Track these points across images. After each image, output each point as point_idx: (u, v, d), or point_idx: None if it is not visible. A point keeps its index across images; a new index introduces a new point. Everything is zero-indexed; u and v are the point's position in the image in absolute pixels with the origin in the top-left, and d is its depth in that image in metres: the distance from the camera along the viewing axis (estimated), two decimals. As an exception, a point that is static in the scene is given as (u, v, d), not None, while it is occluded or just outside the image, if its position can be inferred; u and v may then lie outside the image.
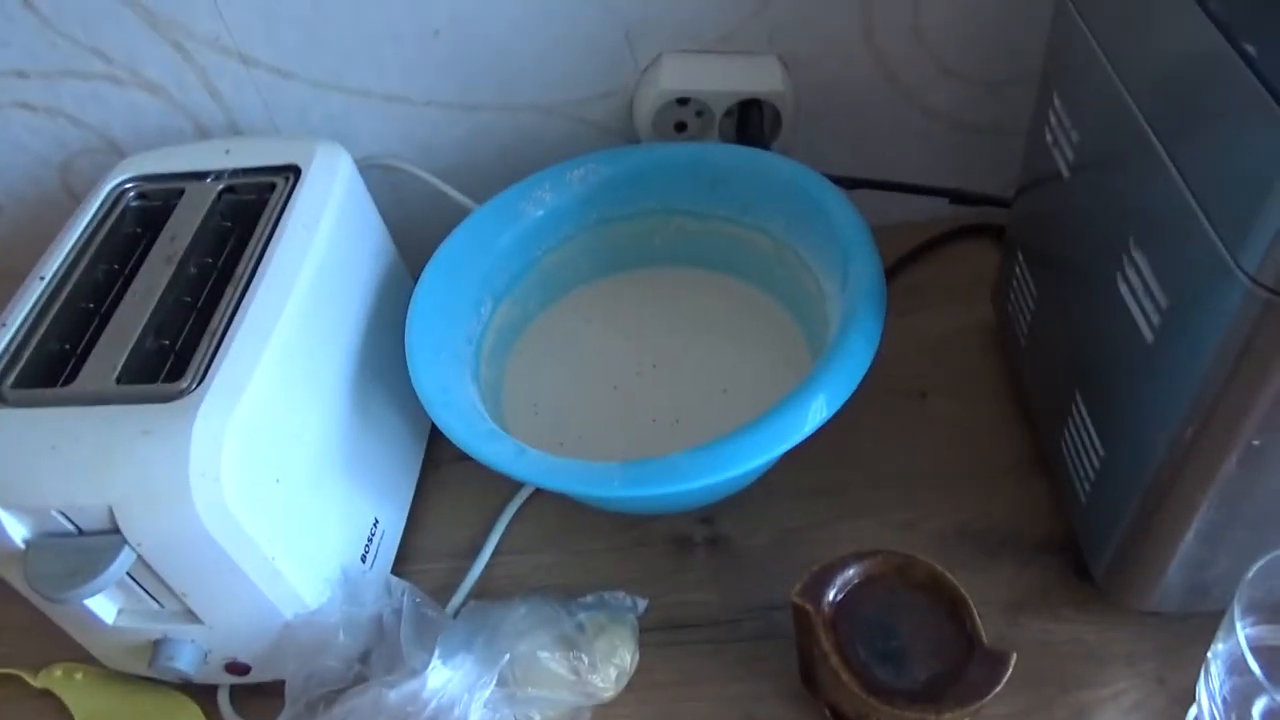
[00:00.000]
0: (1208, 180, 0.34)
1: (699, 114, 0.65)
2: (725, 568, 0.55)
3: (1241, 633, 0.39)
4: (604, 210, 0.62)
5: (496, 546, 0.58)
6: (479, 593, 0.56)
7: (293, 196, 0.54)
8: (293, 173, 0.56)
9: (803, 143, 0.67)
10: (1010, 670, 0.40)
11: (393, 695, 0.44)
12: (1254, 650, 0.41)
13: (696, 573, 0.55)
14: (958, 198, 0.66)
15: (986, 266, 0.64)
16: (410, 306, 0.55)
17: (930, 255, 0.70)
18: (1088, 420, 0.47)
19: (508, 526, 0.59)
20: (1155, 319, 0.39)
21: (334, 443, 0.52)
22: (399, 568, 0.57)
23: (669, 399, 0.58)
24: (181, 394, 0.44)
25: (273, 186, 0.55)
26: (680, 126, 0.66)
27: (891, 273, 0.67)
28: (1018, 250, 0.56)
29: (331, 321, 0.53)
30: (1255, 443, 0.37)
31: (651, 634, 0.52)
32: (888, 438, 0.59)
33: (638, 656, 0.51)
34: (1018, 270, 0.56)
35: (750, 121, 0.64)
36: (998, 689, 0.39)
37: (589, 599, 0.52)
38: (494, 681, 0.45)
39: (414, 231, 0.64)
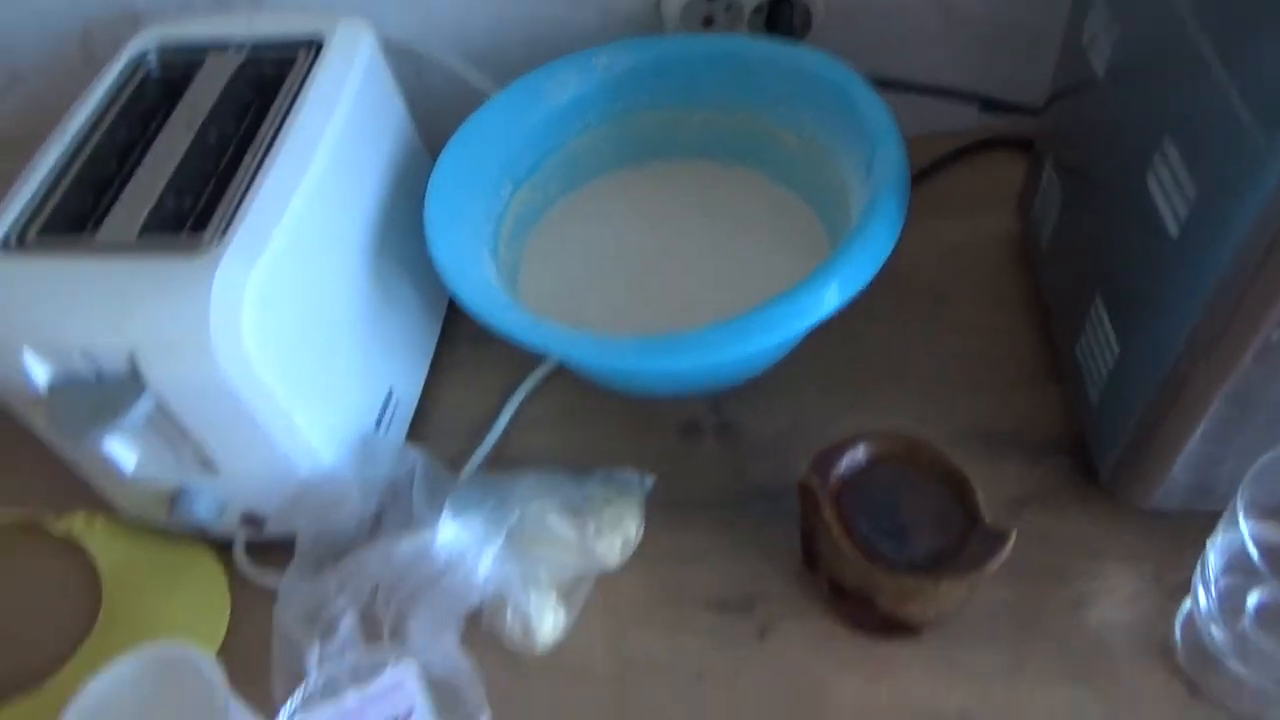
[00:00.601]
0: (1250, 70, 0.34)
1: (728, 8, 0.64)
2: (733, 454, 0.56)
3: (1244, 524, 0.39)
4: (628, 100, 0.62)
5: (509, 424, 0.59)
6: (490, 467, 0.57)
7: (313, 69, 0.54)
8: (314, 46, 0.56)
9: (831, 43, 0.66)
10: (1010, 546, 0.41)
11: (402, 547, 0.45)
12: (1263, 545, 0.42)
13: (705, 457, 0.56)
14: (988, 104, 0.65)
15: (1013, 179, 0.63)
16: (430, 180, 0.55)
17: (957, 165, 0.69)
18: (1106, 321, 0.47)
19: (520, 406, 0.60)
20: (1183, 212, 0.39)
21: (350, 310, 0.53)
22: (413, 441, 0.58)
23: (687, 289, 0.58)
24: (203, 247, 0.45)
25: (293, 60, 0.55)
26: (708, 21, 0.65)
27: (918, 180, 0.67)
28: (1046, 157, 0.56)
29: (349, 193, 0.53)
30: (1275, 336, 0.37)
31: (658, 511, 0.53)
32: (903, 339, 0.60)
33: (643, 529, 0.52)
34: (1045, 177, 0.56)
35: (779, 18, 0.63)
36: (996, 562, 0.40)
37: (598, 474, 0.53)
38: (503, 538, 0.46)
39: (435, 116, 0.64)
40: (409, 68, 0.69)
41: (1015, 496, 0.52)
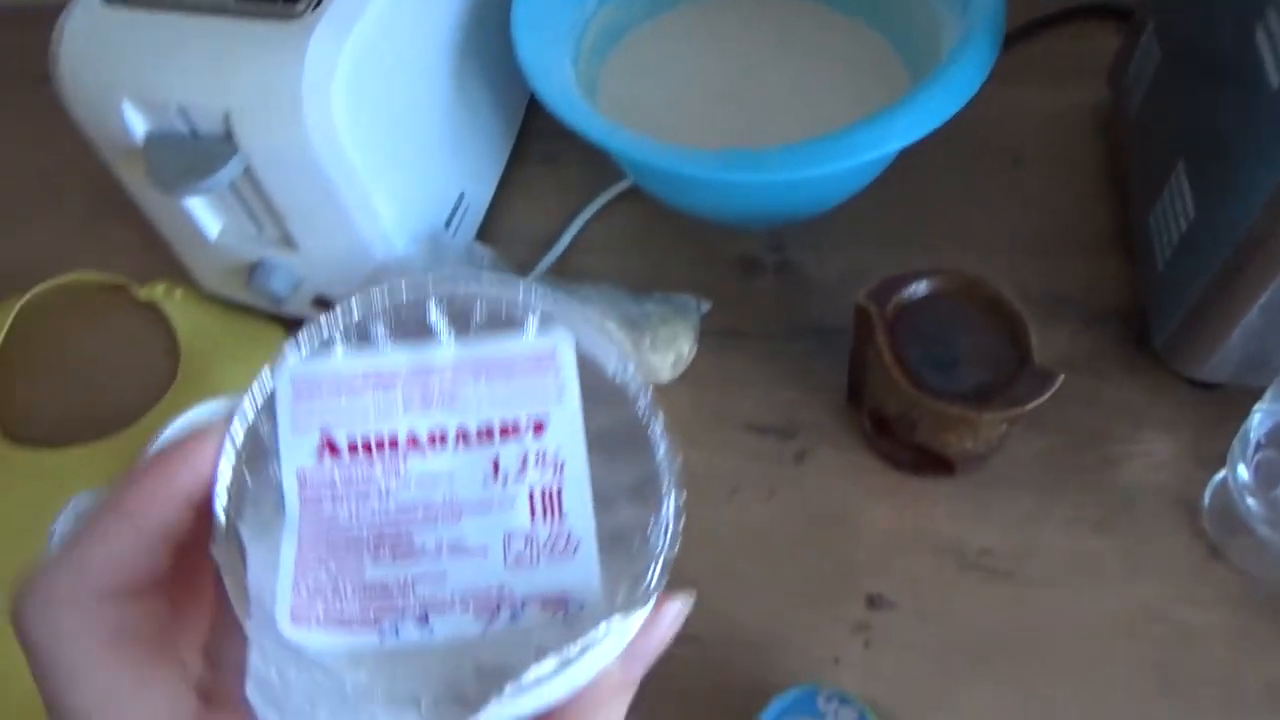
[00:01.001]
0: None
1: None
2: (790, 291, 0.57)
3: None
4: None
5: (573, 241, 0.60)
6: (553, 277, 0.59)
7: None
8: None
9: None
10: (1057, 386, 0.41)
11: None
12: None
13: (762, 291, 0.57)
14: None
15: (1105, 49, 0.61)
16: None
17: (1051, 31, 0.67)
18: (1185, 186, 0.47)
19: (586, 225, 0.61)
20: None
21: (433, 105, 0.54)
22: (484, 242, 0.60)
23: (764, 117, 0.58)
24: (299, 14, 0.45)
25: None
26: None
27: (1010, 42, 0.64)
28: (1147, 22, 0.54)
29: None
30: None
31: (712, 337, 0.55)
32: (974, 198, 0.59)
33: (695, 349, 0.53)
34: (1142, 44, 0.54)
35: None
36: (1041, 400, 0.41)
37: (656, 295, 0.54)
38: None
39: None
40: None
41: (1065, 358, 0.52)
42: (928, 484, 0.49)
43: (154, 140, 0.47)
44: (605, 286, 0.54)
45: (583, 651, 0.18)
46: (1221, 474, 0.46)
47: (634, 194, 0.61)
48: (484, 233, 0.61)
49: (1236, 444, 0.44)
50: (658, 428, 0.21)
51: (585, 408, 0.21)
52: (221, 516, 0.20)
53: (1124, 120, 0.57)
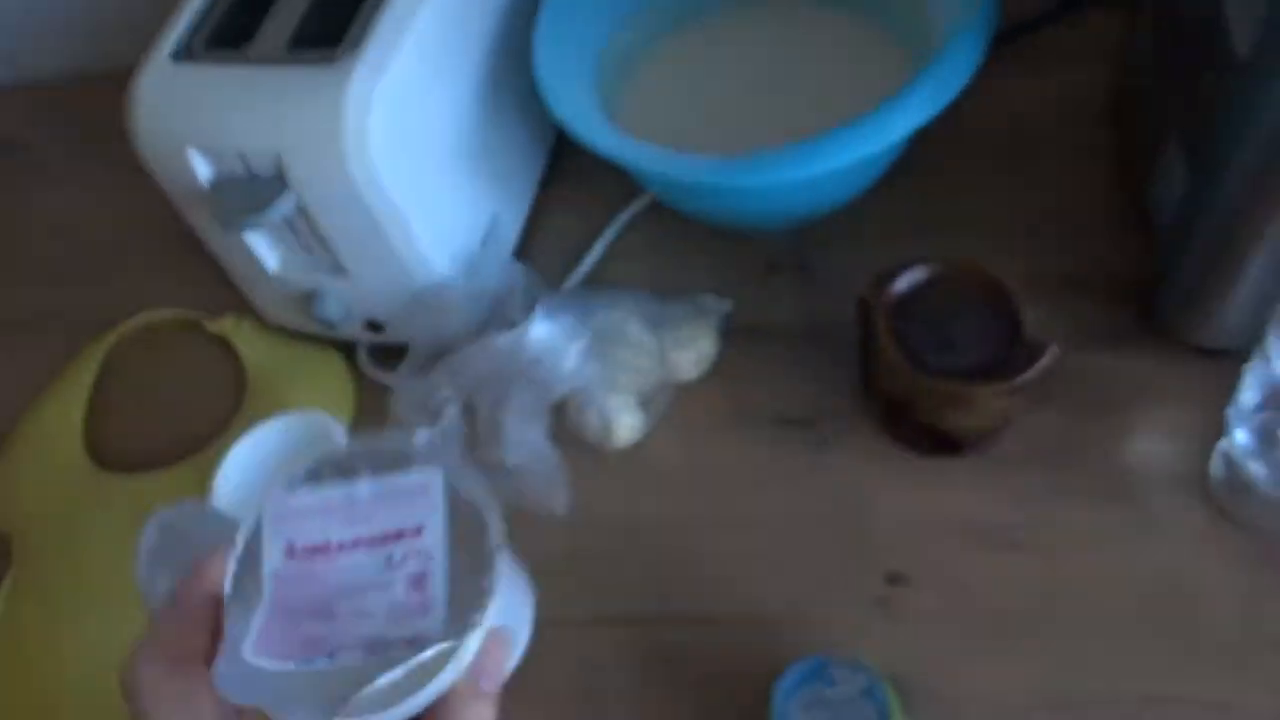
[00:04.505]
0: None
1: None
2: (808, 290, 0.60)
3: (1276, 354, 0.41)
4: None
5: (605, 252, 0.64)
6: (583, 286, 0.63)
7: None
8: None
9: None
10: (1048, 358, 0.44)
11: (499, 341, 0.51)
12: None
13: (782, 291, 0.60)
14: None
15: (1108, 34, 0.63)
16: (538, 16, 0.59)
17: (1055, 19, 0.68)
18: (1179, 159, 0.48)
19: (616, 237, 0.64)
20: (1254, 33, 0.40)
21: (465, 133, 0.58)
22: (519, 260, 0.64)
23: (782, 126, 0.60)
24: (339, 61, 0.50)
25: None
26: None
27: (1018, 33, 0.67)
28: (1144, 3, 0.56)
29: (470, 21, 0.58)
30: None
31: (735, 335, 0.58)
32: (987, 188, 0.61)
33: (718, 347, 0.57)
34: (1139, 24, 0.56)
35: None
36: (1032, 372, 0.43)
37: (680, 297, 0.58)
38: (588, 336, 0.51)
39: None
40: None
41: (1078, 335, 0.53)
42: (943, 464, 0.51)
43: (217, 183, 0.53)
44: (631, 292, 0.58)
45: (419, 665, 0.29)
46: (1225, 442, 0.48)
47: (659, 206, 0.65)
48: (521, 247, 0.65)
49: (1232, 410, 0.45)
50: (494, 529, 0.31)
51: (452, 518, 0.32)
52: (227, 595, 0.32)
53: (1125, 102, 0.58)
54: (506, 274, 0.58)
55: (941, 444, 0.50)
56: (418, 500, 0.32)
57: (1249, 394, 0.43)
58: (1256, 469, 0.44)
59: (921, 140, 0.53)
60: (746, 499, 0.53)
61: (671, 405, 0.56)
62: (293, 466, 0.33)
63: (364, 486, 0.32)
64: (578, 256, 0.64)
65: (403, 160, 0.52)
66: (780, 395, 0.56)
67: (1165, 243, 0.50)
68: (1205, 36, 0.44)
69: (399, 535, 0.32)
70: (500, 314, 0.57)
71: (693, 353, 0.55)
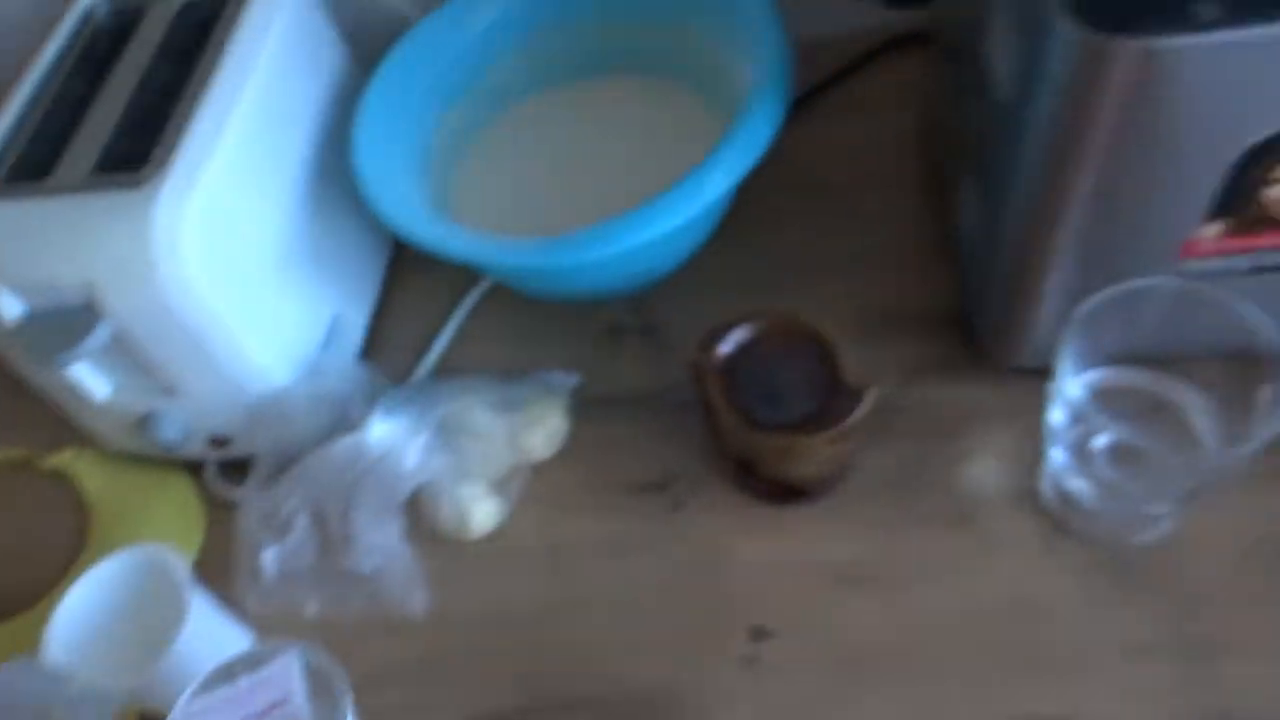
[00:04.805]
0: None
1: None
2: (654, 351, 0.61)
3: (1073, 376, 0.43)
4: (545, 20, 0.65)
5: (453, 339, 0.64)
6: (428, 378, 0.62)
7: (243, 9, 0.58)
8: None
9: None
10: (868, 402, 0.45)
11: (339, 447, 0.50)
12: (1101, 390, 0.46)
13: (629, 356, 0.61)
14: (891, 1, 0.68)
15: (918, 77, 0.66)
16: (357, 109, 0.59)
17: (869, 66, 0.72)
18: (971, 191, 0.51)
19: (463, 322, 0.64)
20: (1010, 78, 0.43)
21: (292, 236, 0.57)
22: (366, 357, 0.63)
23: (610, 198, 0.61)
24: (144, 182, 0.50)
25: (227, 1, 0.59)
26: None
27: (830, 83, 0.70)
28: (936, 45, 0.59)
29: (285, 125, 0.58)
30: (1093, 187, 0.41)
31: (586, 407, 0.58)
32: (813, 233, 0.63)
33: (569, 422, 0.57)
34: (933, 65, 0.59)
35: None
36: (856, 417, 0.45)
37: (526, 377, 0.58)
38: (429, 431, 0.51)
39: (374, 50, 0.68)
40: (351, 5, 0.72)
41: (911, 368, 0.56)
42: (796, 511, 0.52)
43: (29, 319, 0.51)
44: (478, 378, 0.58)
45: None
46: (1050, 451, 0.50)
47: (504, 287, 0.65)
48: (370, 342, 0.64)
49: (1047, 436, 0.47)
50: (340, 691, 0.41)
51: (310, 683, 0.41)
52: None
53: (929, 140, 0.62)
54: (350, 374, 0.58)
55: (791, 492, 0.51)
56: (282, 678, 0.41)
57: (1055, 414, 0.45)
58: (1078, 485, 0.46)
59: (750, 190, 0.55)
60: (610, 571, 0.53)
61: (527, 486, 0.56)
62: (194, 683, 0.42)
63: (243, 681, 0.42)
64: (429, 344, 0.64)
65: (222, 275, 0.51)
66: (634, 462, 0.56)
67: (971, 272, 0.53)
68: (978, 80, 0.47)
69: (272, 707, 0.41)
70: (346, 416, 0.56)
71: (543, 431, 0.56)
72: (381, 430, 0.51)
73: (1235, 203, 0.40)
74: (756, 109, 0.52)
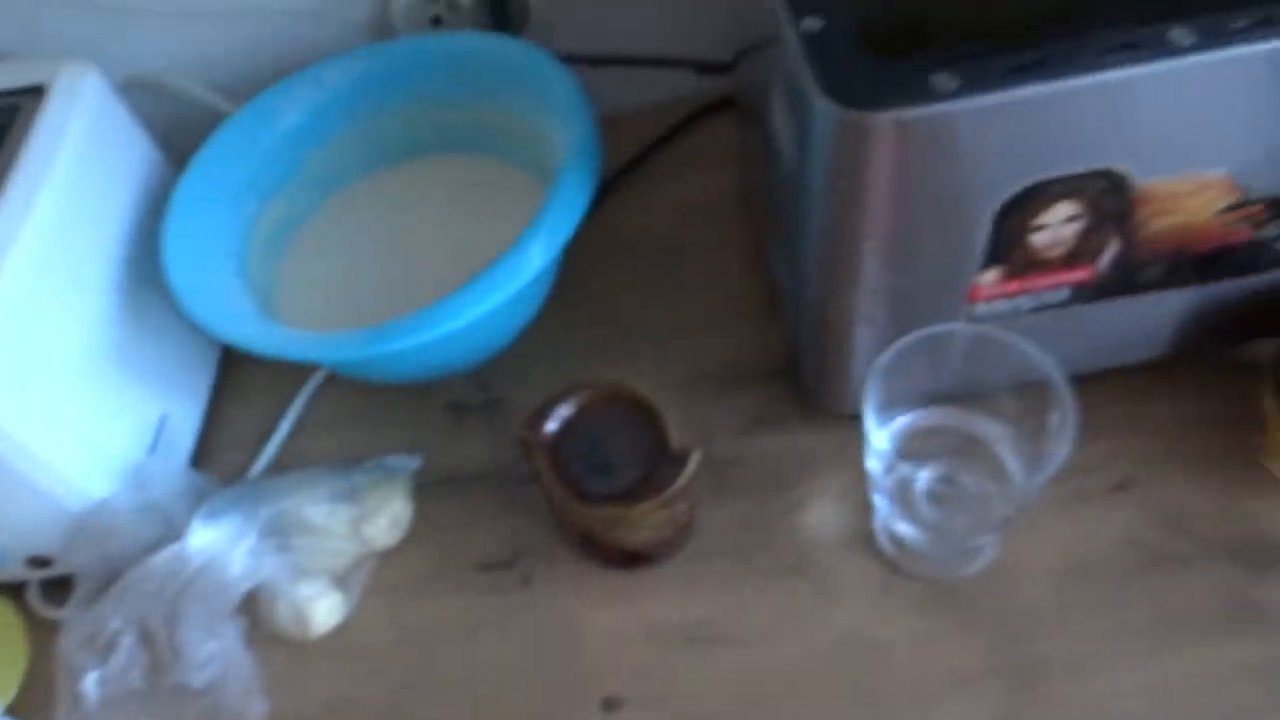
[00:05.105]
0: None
1: (450, 6, 0.68)
2: (498, 424, 0.60)
3: (874, 426, 0.44)
4: (363, 106, 0.65)
5: (291, 431, 0.62)
6: (275, 474, 0.60)
7: (35, 117, 0.56)
8: (38, 94, 0.57)
9: (558, 23, 0.70)
10: (691, 466, 0.45)
11: (158, 559, 0.48)
12: (912, 433, 0.48)
13: (472, 431, 0.60)
14: (703, 68, 0.70)
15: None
16: (166, 209, 0.58)
17: (690, 130, 0.73)
18: (779, 250, 0.53)
19: (301, 413, 0.63)
20: (790, 150, 0.44)
21: (107, 341, 0.55)
22: (205, 458, 0.61)
23: (438, 280, 0.61)
24: (-72, 305, 0.47)
25: (17, 109, 0.57)
26: (436, 21, 0.69)
27: (652, 150, 0.71)
28: (739, 112, 0.61)
29: (90, 233, 0.56)
30: (876, 245, 0.43)
31: (430, 488, 0.57)
32: (649, 295, 0.64)
33: (411, 508, 0.56)
34: (739, 131, 0.61)
35: (500, 8, 0.67)
36: (680, 482, 0.45)
37: (366, 463, 0.57)
38: (256, 534, 0.49)
39: (194, 146, 0.66)
40: (164, 99, 0.70)
41: (747, 422, 0.57)
42: (640, 577, 0.52)
43: None
44: (315, 471, 0.56)
45: None
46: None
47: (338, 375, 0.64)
48: (203, 444, 0.62)
49: (870, 486, 0.48)
50: None
51: None
52: None
53: (745, 202, 0.63)
54: (176, 480, 0.55)
55: (634, 558, 0.51)
56: None
57: (872, 463, 0.46)
58: (904, 528, 0.48)
59: (583, 258, 0.55)
60: (461, 654, 0.52)
61: (372, 576, 0.55)
62: None
63: None
64: (267, 439, 0.62)
65: (20, 391, 0.49)
66: (480, 540, 0.55)
67: (791, 325, 0.54)
68: (768, 144, 0.49)
69: None
70: (172, 525, 0.54)
71: (386, 518, 0.54)
72: (203, 537, 0.49)
73: (1006, 250, 0.42)
74: (568, 179, 0.53)
